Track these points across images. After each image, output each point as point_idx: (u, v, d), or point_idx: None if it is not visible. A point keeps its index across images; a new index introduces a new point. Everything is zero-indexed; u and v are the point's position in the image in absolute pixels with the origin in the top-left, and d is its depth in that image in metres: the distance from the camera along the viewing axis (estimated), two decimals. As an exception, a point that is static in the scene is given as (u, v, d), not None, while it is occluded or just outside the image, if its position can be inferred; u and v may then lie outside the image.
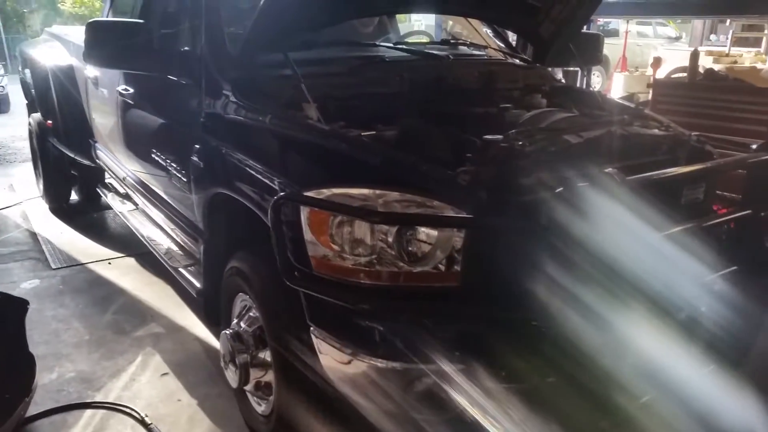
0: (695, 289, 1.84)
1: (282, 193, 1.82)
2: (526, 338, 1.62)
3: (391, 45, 2.96)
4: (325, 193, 1.69)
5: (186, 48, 2.65)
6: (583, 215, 1.53)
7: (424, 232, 1.64)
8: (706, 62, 6.89)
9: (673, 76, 5.34)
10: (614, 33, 12.65)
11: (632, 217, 1.57)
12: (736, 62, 7.56)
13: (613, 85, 8.97)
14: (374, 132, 2.00)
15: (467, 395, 1.59)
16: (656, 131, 2.18)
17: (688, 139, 2.16)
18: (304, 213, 1.71)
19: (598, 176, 1.58)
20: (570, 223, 1.55)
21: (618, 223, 1.53)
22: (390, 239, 1.63)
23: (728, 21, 10.38)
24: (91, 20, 2.54)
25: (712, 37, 11.90)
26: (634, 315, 1.61)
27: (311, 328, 1.77)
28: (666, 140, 2.13)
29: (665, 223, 1.71)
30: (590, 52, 3.14)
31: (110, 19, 3.76)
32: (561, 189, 1.59)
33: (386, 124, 2.06)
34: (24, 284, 3.67)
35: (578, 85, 4.69)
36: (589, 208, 1.54)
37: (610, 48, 11.24)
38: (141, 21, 2.89)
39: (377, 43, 3.04)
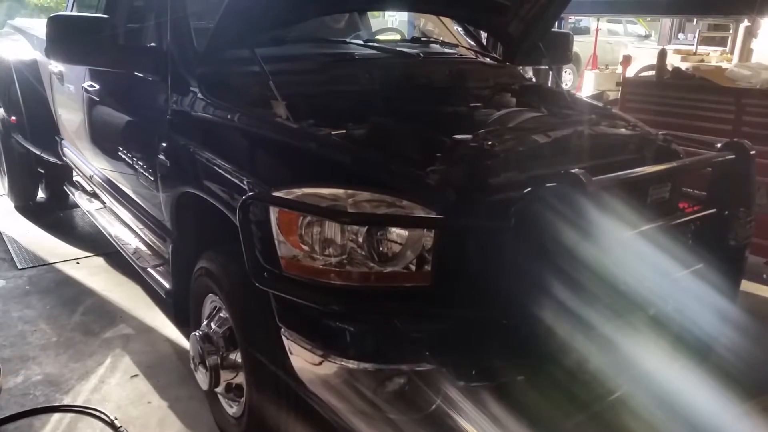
0: (663, 286, 1.88)
1: (250, 193, 1.80)
2: (497, 337, 1.63)
3: (361, 42, 2.95)
4: (295, 192, 1.68)
5: (152, 44, 2.61)
6: (551, 215, 1.55)
7: (395, 232, 1.64)
8: (674, 60, 7.01)
9: (642, 74, 5.43)
10: (585, 31, 12.80)
11: (599, 216, 1.58)
12: (703, 61, 7.71)
13: (584, 82, 9.08)
14: (344, 131, 1.99)
15: (439, 394, 1.60)
16: (623, 131, 2.21)
17: (654, 139, 2.20)
18: (273, 213, 1.69)
19: (565, 176, 1.60)
20: (538, 223, 1.56)
21: (585, 223, 1.55)
22: (360, 239, 1.62)
23: (695, 20, 10.58)
24: (53, 15, 2.48)
25: (680, 35, 12.13)
26: (604, 311, 1.63)
27: (282, 330, 1.76)
28: (633, 140, 2.16)
29: (632, 222, 1.74)
30: (560, 51, 3.18)
31: (73, 13, 3.68)
32: (529, 189, 1.60)
33: (356, 122, 2.05)
34: (-12, 285, 3.59)
35: (548, 83, 4.73)
36: (556, 207, 1.55)
37: (581, 45, 11.36)
38: (105, 16, 2.83)
39: (348, 40, 3.03)
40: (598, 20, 11.31)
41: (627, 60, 6.98)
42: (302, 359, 1.72)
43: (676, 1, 6.03)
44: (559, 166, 1.69)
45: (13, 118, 4.42)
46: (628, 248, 1.68)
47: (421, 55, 2.84)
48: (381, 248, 1.64)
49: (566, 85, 11.19)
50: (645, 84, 4.67)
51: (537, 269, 1.56)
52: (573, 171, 1.59)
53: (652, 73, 4.96)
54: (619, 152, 2.09)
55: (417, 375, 1.60)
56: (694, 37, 10.07)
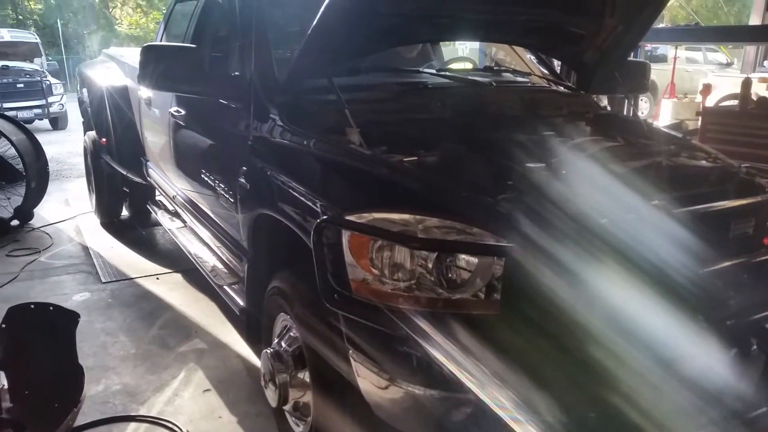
0: (748, 326, 1.79)
1: (324, 216, 1.85)
2: (567, 369, 1.60)
3: (434, 72, 2.99)
4: (367, 217, 1.72)
5: (236, 73, 2.74)
6: (627, 246, 1.52)
7: (464, 259, 1.64)
8: (759, 89, 6.71)
9: (723, 103, 5.24)
10: (662, 59, 12.47)
11: (678, 248, 1.54)
12: (790, 89, 7.35)
13: (661, 111, 8.81)
14: (415, 158, 2.02)
15: (507, 424, 1.58)
16: (703, 162, 2.14)
17: (737, 171, 2.11)
18: (345, 236, 1.73)
19: (643, 208, 1.56)
20: (613, 253, 1.53)
21: (663, 254, 1.51)
22: (429, 265, 1.63)
23: (783, 47, 10.12)
24: (146, 44, 2.64)
25: (766, 63, 11.59)
26: (684, 345, 1.57)
27: (350, 351, 1.78)
28: (713, 172, 2.09)
29: (713, 258, 1.68)
30: (636, 80, 3.11)
31: (164, 43, 3.90)
32: (604, 219, 1.58)
33: (428, 150, 2.07)
34: (75, 297, 3.80)
35: (624, 112, 4.63)
36: (632, 239, 1.52)
37: (658, 74, 11.05)
38: (193, 45, 3.00)
39: (420, 69, 3.08)
40: (676, 48, 10.98)
41: (707, 89, 6.72)
42: (369, 382, 1.73)
43: (761, 27, 5.80)
44: (635, 197, 1.66)
45: (103, 140, 4.70)
46: (710, 283, 1.63)
47: (494, 83, 2.85)
48: (450, 275, 1.64)
49: (642, 113, 10.90)
50: (727, 114, 4.51)
51: (611, 299, 1.53)
52: (652, 202, 1.56)
53: (733, 102, 4.77)
54: (698, 185, 2.02)
55: (484, 403, 1.58)
56: (782, 65, 9.64)
